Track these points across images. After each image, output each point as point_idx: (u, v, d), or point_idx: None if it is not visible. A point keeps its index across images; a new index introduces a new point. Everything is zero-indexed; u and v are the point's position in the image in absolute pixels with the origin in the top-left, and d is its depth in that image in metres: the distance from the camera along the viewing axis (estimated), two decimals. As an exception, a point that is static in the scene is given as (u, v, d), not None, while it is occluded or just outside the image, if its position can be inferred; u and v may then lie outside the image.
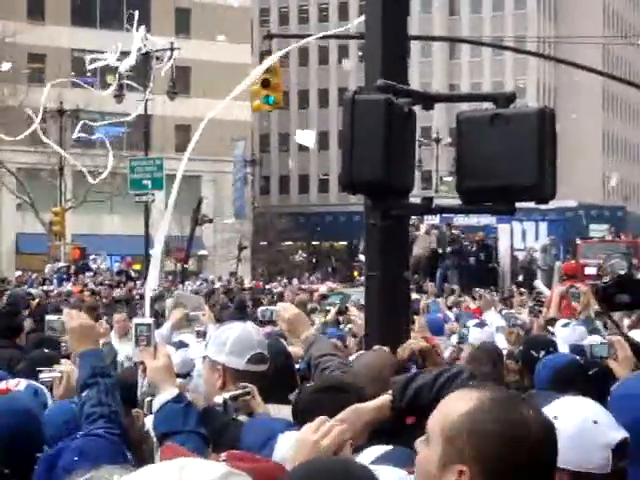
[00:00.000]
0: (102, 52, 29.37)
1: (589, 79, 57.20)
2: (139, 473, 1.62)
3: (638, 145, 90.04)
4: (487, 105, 6.02)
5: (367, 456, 2.80)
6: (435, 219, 27.31)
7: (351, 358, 5.38)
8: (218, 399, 3.86)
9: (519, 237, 30.80)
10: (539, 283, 24.87)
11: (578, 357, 5.06)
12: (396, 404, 3.31)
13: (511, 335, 8.24)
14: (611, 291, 4.43)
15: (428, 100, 6.20)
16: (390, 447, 2.91)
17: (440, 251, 25.50)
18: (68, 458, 2.79)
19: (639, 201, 76.98)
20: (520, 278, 26.81)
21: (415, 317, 7.50)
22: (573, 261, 29.84)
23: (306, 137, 20.16)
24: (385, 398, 3.36)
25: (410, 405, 3.26)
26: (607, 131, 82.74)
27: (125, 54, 31.21)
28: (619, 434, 2.70)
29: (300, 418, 3.61)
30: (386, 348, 5.23)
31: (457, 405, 2.19)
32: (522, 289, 21.58)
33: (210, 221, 40.12)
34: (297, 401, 3.72)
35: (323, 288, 24.53)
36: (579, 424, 2.64)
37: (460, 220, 26.95)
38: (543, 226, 32.17)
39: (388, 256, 6.16)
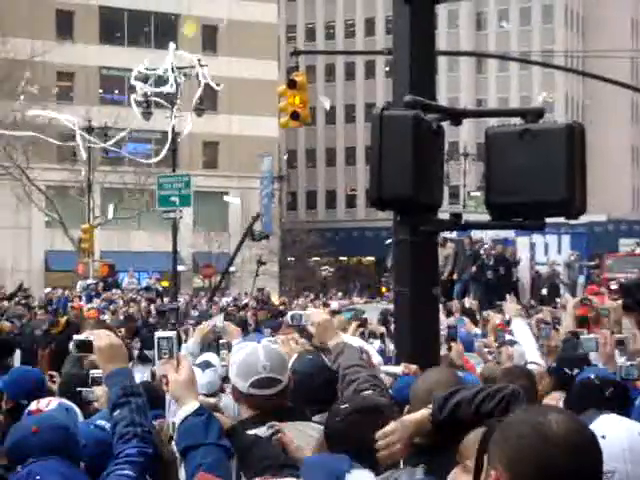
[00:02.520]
0: (130, 70, 29.54)
1: (618, 93, 56.95)
2: None
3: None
4: (515, 120, 6.00)
5: None
6: (452, 232, 27.07)
7: (383, 369, 5.36)
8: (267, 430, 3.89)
9: (541, 250, 30.39)
10: (567, 295, 24.69)
11: (594, 376, 4.96)
12: (435, 418, 3.30)
13: (543, 348, 8.17)
14: (634, 290, 4.41)
15: (456, 116, 6.20)
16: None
17: (454, 268, 25.10)
18: None
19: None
20: (544, 292, 26.46)
21: (453, 344, 7.48)
22: (599, 279, 29.58)
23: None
24: (425, 412, 3.35)
25: (449, 419, 3.25)
26: (636, 145, 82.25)
27: (151, 70, 31.40)
28: None
29: (334, 440, 3.59)
30: (414, 367, 5.21)
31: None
32: (544, 307, 21.33)
33: (267, 237, 40.12)
34: (330, 423, 3.68)
35: (334, 304, 24.38)
36: (629, 437, 2.72)
37: (479, 233, 26.57)
38: (566, 239, 31.76)
39: (417, 272, 6.14)
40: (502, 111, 8.23)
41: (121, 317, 19.87)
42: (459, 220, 6.08)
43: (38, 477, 2.89)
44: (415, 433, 3.31)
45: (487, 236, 27.28)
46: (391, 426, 3.29)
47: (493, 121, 6.56)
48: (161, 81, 32.28)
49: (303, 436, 4.02)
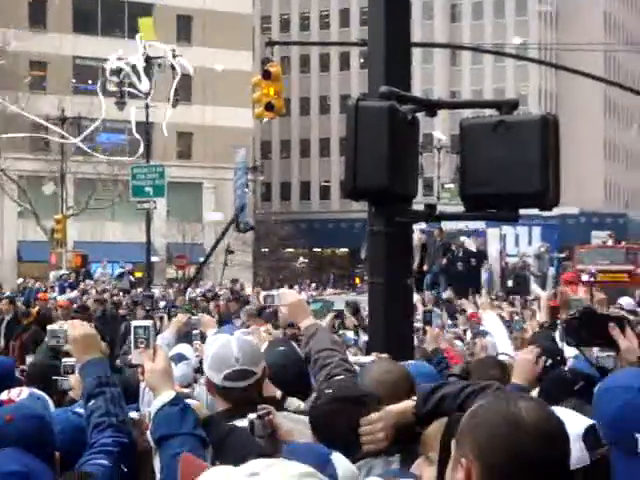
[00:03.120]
0: (104, 59, 29.38)
1: (591, 86, 57.25)
2: (225, 467, 1.71)
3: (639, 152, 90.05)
4: (489, 112, 6.02)
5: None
6: (422, 224, 26.95)
7: (353, 360, 5.36)
8: (242, 422, 3.86)
9: (512, 242, 30.39)
10: (536, 287, 24.76)
11: (566, 369, 4.98)
12: (418, 410, 3.32)
13: (516, 340, 8.22)
14: (576, 323, 4.40)
15: (431, 107, 6.21)
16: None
17: (423, 259, 25.02)
18: None
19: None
20: (510, 284, 26.45)
21: (427, 328, 7.49)
22: (571, 269, 29.68)
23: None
24: (409, 403, 3.37)
25: (432, 412, 3.27)
26: (608, 138, 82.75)
27: (122, 60, 31.25)
28: (584, 422, 2.70)
29: (318, 429, 3.61)
30: (385, 355, 5.22)
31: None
32: (513, 296, 21.38)
33: (252, 228, 39.96)
34: (314, 412, 3.69)
35: (303, 295, 24.31)
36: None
37: (449, 225, 26.51)
38: (537, 231, 31.79)
39: (391, 263, 6.15)
40: (477, 102, 8.26)
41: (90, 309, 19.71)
42: (433, 211, 6.10)
43: None
44: (398, 423, 3.33)
45: (457, 227, 27.27)
46: (376, 415, 3.31)
47: (468, 113, 6.58)
48: (135, 72, 32.11)
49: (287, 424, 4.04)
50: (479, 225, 29.02)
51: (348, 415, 3.49)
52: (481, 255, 26.51)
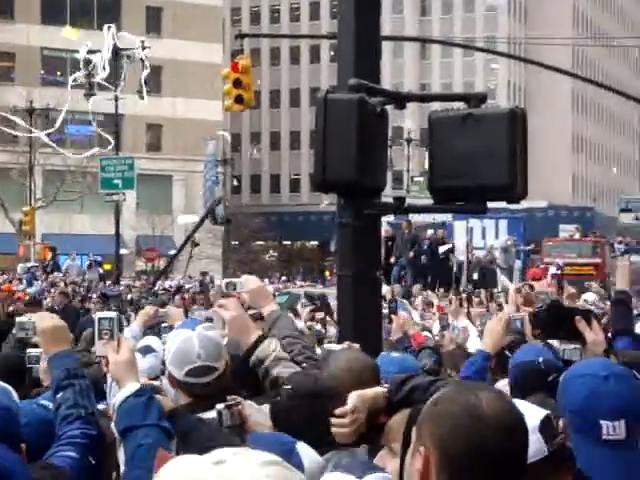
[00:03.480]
0: (73, 51, 29.19)
1: (559, 80, 57.55)
2: (195, 455, 1.69)
3: (607, 146, 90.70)
4: (458, 105, 6.05)
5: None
6: (390, 217, 26.93)
7: (319, 352, 5.37)
8: (211, 413, 3.86)
9: (479, 235, 30.47)
10: (504, 280, 24.81)
11: (541, 360, 5.00)
12: (391, 396, 3.33)
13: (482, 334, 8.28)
14: (544, 316, 4.44)
15: (401, 100, 6.23)
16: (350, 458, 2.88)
17: (390, 252, 24.98)
18: None
19: (607, 202, 77.51)
20: (475, 277, 26.50)
21: (393, 317, 7.52)
22: (538, 266, 29.81)
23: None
24: (381, 389, 3.38)
25: (402, 402, 3.28)
26: (576, 132, 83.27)
27: (94, 52, 31.10)
28: (539, 413, 2.70)
29: (280, 425, 3.62)
30: (357, 345, 5.24)
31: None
32: (480, 290, 21.44)
33: (229, 221, 39.80)
34: (274, 408, 3.71)
35: (269, 288, 24.24)
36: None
37: (415, 217, 26.48)
38: (503, 224, 31.88)
39: (360, 255, 6.17)
40: (445, 95, 8.29)
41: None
42: (402, 204, 6.12)
43: None
44: (370, 409, 3.33)
45: (421, 218, 27.23)
46: (352, 404, 3.27)
47: (437, 106, 6.61)
48: (104, 64, 31.94)
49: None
50: (446, 218, 29.08)
51: (308, 409, 3.50)
52: (448, 249, 26.52)
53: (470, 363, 4.94)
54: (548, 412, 2.73)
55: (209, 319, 5.13)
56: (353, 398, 3.28)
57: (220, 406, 3.84)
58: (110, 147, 32.61)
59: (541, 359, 4.89)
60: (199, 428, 3.68)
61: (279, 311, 5.09)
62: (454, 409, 2.14)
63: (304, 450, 3.25)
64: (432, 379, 3.43)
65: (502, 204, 6.37)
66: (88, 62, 31.45)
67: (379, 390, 3.37)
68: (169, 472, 1.65)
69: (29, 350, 5.17)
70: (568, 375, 3.11)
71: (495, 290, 21.17)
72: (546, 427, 2.68)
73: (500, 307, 13.39)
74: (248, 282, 5.09)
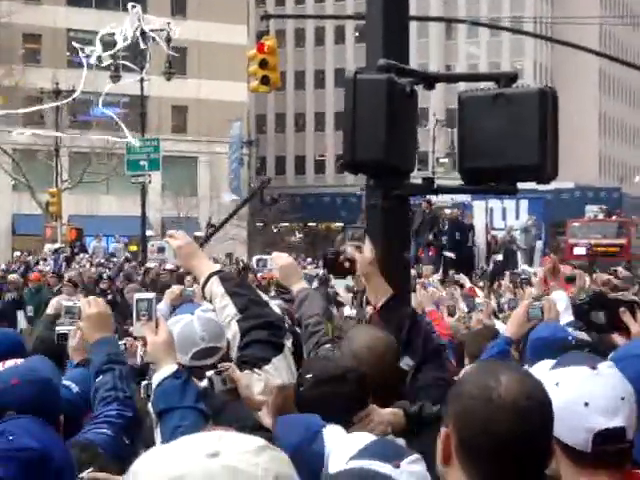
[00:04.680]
0: (96, 32, 29.23)
1: (586, 60, 57.12)
2: (177, 443, 1.63)
3: (635, 126, 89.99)
4: (486, 85, 6.00)
5: (347, 449, 2.71)
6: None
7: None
8: (204, 382, 3.87)
9: (499, 216, 30.22)
10: (524, 265, 24.63)
11: (570, 337, 4.97)
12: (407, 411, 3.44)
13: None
14: (586, 308, 4.39)
15: (430, 80, 6.18)
16: (371, 438, 2.84)
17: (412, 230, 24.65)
18: (2, 441, 2.80)
19: (634, 183, 76.94)
20: (499, 258, 26.27)
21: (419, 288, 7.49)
22: (547, 257, 29.56)
23: None
24: (398, 410, 3.53)
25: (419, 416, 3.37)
26: (604, 112, 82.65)
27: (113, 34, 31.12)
28: (608, 422, 2.57)
29: (304, 409, 3.58)
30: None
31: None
32: (504, 272, 21.26)
33: (276, 201, 39.79)
34: (301, 400, 3.65)
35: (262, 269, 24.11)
36: (570, 401, 2.54)
37: (433, 197, 26.21)
38: (524, 204, 31.61)
39: (389, 237, 6.14)
40: (475, 75, 8.23)
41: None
42: (431, 184, 6.09)
43: (11, 437, 2.85)
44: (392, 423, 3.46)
45: (440, 198, 26.95)
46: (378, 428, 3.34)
47: (463, 87, 6.56)
48: (129, 45, 31.96)
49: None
50: (465, 198, 28.83)
51: (334, 394, 3.48)
52: (465, 228, 26.18)
53: (491, 346, 4.95)
54: (619, 425, 2.63)
55: (161, 249, 5.11)
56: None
57: (210, 373, 3.86)
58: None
59: (570, 337, 4.86)
60: (228, 409, 3.70)
61: (309, 289, 5.07)
62: (471, 390, 2.17)
63: (332, 435, 3.19)
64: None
65: (525, 184, 6.31)
66: (114, 44, 31.48)
67: (396, 411, 3.43)
68: (161, 467, 1.58)
69: (58, 327, 5.21)
70: (615, 357, 3.07)
71: (521, 275, 21.03)
72: (603, 436, 2.58)
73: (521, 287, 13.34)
74: (278, 259, 5.08)
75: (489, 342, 6.03)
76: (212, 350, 4.15)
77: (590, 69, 72.82)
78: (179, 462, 1.58)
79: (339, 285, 14.73)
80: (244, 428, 3.47)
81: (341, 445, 2.69)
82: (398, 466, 2.37)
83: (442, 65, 73.05)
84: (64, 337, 5.01)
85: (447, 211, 27.11)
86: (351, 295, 13.05)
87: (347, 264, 5.02)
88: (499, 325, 8.35)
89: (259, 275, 17.41)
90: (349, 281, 14.00)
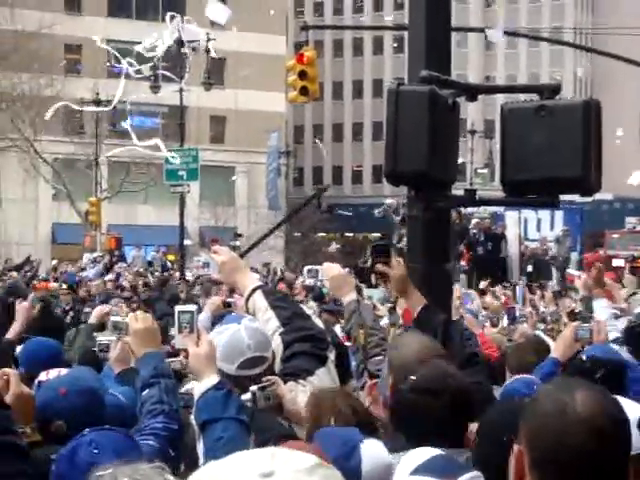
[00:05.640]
0: (139, 43, 29.45)
1: (627, 71, 56.62)
2: (231, 460, 1.61)
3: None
4: (524, 97, 5.98)
5: (407, 464, 2.67)
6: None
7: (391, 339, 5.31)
8: (246, 395, 3.86)
9: (533, 226, 29.84)
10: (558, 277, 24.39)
11: (585, 357, 4.84)
12: None
13: (552, 332, 8.18)
14: (636, 334, 4.32)
15: (471, 91, 6.17)
16: (431, 454, 2.77)
17: None
18: (87, 452, 2.78)
19: (676, 194, 76.15)
20: (529, 269, 25.95)
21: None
22: (598, 252, 29.20)
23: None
24: None
25: None
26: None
27: (155, 46, 31.33)
28: (637, 409, 2.62)
29: (397, 421, 3.47)
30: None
31: None
32: (534, 283, 21.02)
33: (331, 211, 39.92)
34: (396, 398, 3.51)
35: (309, 281, 24.06)
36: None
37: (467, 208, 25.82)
38: (559, 215, 31.15)
39: (429, 248, 6.13)
40: (518, 87, 8.20)
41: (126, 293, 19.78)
42: (473, 196, 6.06)
43: (96, 450, 2.83)
44: None
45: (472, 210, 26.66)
46: None
47: (502, 99, 6.53)
48: (168, 55, 32.19)
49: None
50: (497, 208, 28.54)
51: (427, 407, 3.31)
52: (499, 239, 25.92)
53: (540, 367, 4.90)
54: None
55: (206, 264, 5.13)
56: None
57: (254, 388, 3.85)
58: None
59: (585, 356, 4.75)
60: (258, 418, 3.70)
61: (358, 300, 5.04)
62: (546, 407, 2.11)
63: (369, 450, 3.13)
64: None
65: (570, 196, 6.27)
66: (153, 54, 31.71)
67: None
68: None
69: (99, 338, 5.24)
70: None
71: (550, 283, 20.86)
72: None
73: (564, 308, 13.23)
74: (329, 270, 5.07)
75: (531, 355, 5.98)
76: (259, 360, 4.14)
77: (631, 80, 72.26)
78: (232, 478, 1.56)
79: (374, 297, 14.71)
80: (273, 438, 3.47)
81: (405, 460, 2.65)
82: None
83: (481, 75, 72.84)
84: (106, 348, 5.04)
85: (474, 221, 26.78)
86: (389, 306, 13.03)
87: (376, 277, 5.00)
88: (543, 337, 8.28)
89: (298, 284, 17.43)
90: (381, 292, 13.99)
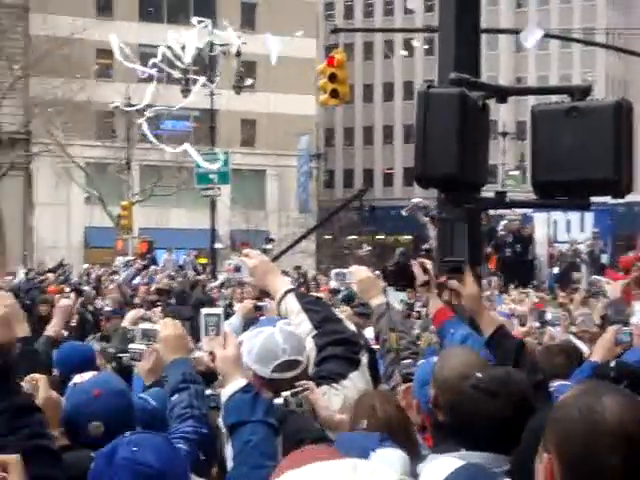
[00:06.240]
0: (170, 47, 29.58)
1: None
2: (310, 470, 1.56)
3: None
4: (555, 98, 5.95)
5: (433, 474, 2.62)
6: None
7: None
8: (278, 400, 3.87)
9: (563, 228, 29.49)
10: (591, 277, 24.14)
11: (612, 366, 4.76)
12: None
13: (585, 333, 8.12)
14: None
15: (502, 93, 6.14)
16: (458, 464, 2.73)
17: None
18: (126, 450, 2.79)
19: None
20: (555, 271, 25.66)
21: None
22: (631, 254, 28.85)
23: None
24: None
25: None
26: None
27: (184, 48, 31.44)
28: None
29: (454, 418, 3.47)
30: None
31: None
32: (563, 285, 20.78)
33: (373, 209, 39.95)
34: (458, 396, 3.49)
35: (333, 283, 24.02)
36: None
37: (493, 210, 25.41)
38: (589, 217, 30.78)
39: (460, 249, 6.11)
40: (548, 88, 8.15)
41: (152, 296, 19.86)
42: (503, 198, 6.04)
43: (135, 448, 2.84)
44: None
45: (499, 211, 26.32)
46: None
47: (533, 100, 6.49)
48: (198, 59, 32.29)
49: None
50: (527, 210, 28.24)
51: (484, 409, 3.29)
52: (527, 241, 25.65)
53: (579, 371, 4.85)
54: None
55: (238, 268, 5.11)
56: None
57: (286, 393, 3.85)
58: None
59: (613, 363, 4.68)
60: (291, 420, 3.70)
61: (388, 303, 5.03)
62: (572, 413, 2.06)
63: (382, 458, 3.12)
64: None
65: (601, 198, 6.23)
66: (184, 58, 31.83)
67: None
68: None
69: (131, 346, 5.26)
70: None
71: (580, 286, 20.64)
72: None
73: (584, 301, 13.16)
74: (357, 272, 5.08)
75: (561, 358, 5.94)
76: (293, 363, 4.14)
77: (663, 80, 71.70)
78: None
79: (393, 299, 14.60)
80: (306, 439, 3.47)
81: (430, 469, 2.59)
82: None
83: (512, 77, 72.53)
84: (138, 356, 5.06)
85: (503, 223, 26.56)
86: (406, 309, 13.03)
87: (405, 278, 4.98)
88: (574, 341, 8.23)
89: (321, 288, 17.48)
90: (402, 295, 13.90)
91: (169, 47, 27.68)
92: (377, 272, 6.87)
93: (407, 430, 3.74)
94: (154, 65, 28.06)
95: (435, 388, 3.74)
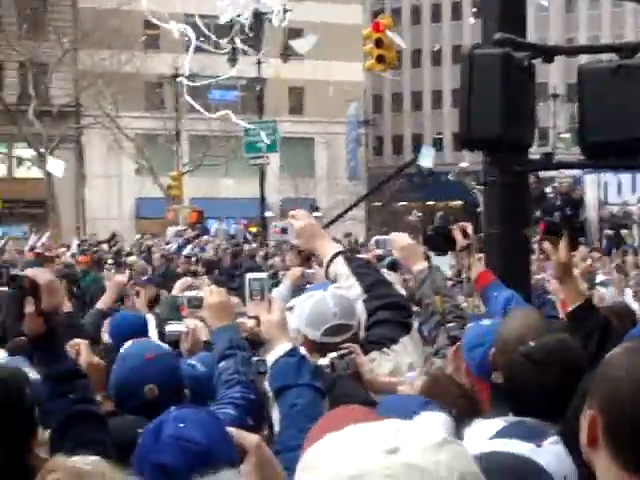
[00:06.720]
0: (217, 17, 29.54)
1: None
2: (349, 432, 1.51)
3: None
4: (607, 57, 5.84)
5: (484, 431, 2.59)
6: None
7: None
8: (324, 360, 3.87)
9: (614, 190, 29.02)
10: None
11: None
12: None
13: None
14: None
15: (548, 53, 6.04)
16: (504, 422, 2.70)
17: None
18: (173, 426, 2.79)
19: None
20: (608, 231, 25.28)
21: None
22: None
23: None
24: None
25: None
26: None
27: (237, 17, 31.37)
28: None
29: (507, 383, 3.45)
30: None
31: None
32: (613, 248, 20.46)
33: (432, 173, 39.85)
34: (512, 362, 3.46)
35: (379, 250, 23.85)
36: None
37: (542, 172, 25.00)
38: None
39: (508, 213, 6.06)
40: (595, 47, 8.00)
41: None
42: (551, 159, 5.96)
43: (182, 424, 2.83)
44: None
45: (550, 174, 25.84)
46: None
47: (584, 61, 6.38)
48: (245, 28, 32.22)
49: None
50: (576, 172, 27.79)
51: (539, 376, 3.28)
52: (577, 203, 25.32)
53: (633, 332, 4.76)
54: None
55: (284, 229, 5.07)
56: None
57: (332, 355, 3.85)
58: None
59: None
60: (338, 384, 3.71)
61: (429, 267, 5.01)
62: (618, 372, 2.02)
63: (426, 421, 3.06)
64: None
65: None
66: (230, 28, 31.79)
67: None
68: (338, 464, 1.45)
69: (168, 328, 5.28)
70: None
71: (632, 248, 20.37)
72: None
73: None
74: (397, 240, 5.06)
75: (612, 320, 5.87)
76: (344, 327, 4.14)
77: None
78: (357, 459, 1.45)
79: (441, 263, 14.51)
80: (351, 402, 3.46)
81: (479, 427, 2.57)
82: (540, 445, 2.29)
83: (563, 38, 71.48)
84: (175, 339, 5.08)
85: (552, 185, 26.13)
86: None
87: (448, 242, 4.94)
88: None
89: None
90: (449, 259, 13.81)
91: (216, 16, 27.62)
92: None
93: (476, 405, 3.65)
94: (201, 34, 27.99)
95: (496, 348, 3.71)
